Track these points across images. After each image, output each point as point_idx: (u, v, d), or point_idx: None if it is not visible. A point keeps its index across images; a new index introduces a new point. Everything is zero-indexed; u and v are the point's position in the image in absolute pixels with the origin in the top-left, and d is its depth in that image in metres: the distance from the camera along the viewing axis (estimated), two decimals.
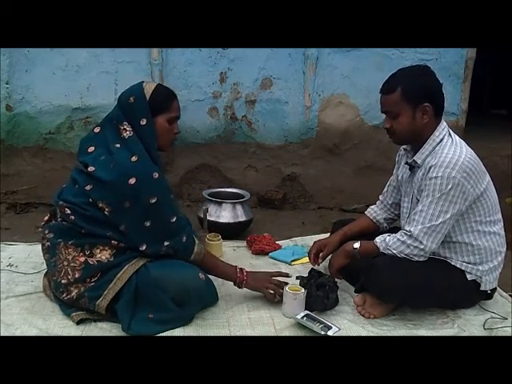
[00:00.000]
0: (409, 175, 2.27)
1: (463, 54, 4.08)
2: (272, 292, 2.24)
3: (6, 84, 3.83)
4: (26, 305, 2.20)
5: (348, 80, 4.09)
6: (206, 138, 4.09)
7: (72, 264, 2.04)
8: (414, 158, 2.17)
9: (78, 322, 2.05)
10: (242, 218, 3.14)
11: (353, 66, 4.07)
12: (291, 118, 4.11)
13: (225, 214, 3.09)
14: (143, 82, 2.15)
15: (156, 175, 2.00)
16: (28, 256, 2.68)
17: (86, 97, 3.93)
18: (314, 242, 2.49)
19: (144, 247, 2.04)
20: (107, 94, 3.87)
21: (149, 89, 2.09)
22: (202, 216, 3.03)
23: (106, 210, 2.00)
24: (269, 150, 4.13)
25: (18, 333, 1.99)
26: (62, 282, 2.06)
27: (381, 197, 2.53)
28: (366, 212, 2.56)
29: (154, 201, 1.98)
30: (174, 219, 2.07)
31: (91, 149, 2.10)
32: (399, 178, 2.37)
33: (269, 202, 3.79)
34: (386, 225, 2.50)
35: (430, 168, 2.07)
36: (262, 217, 3.54)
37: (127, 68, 3.88)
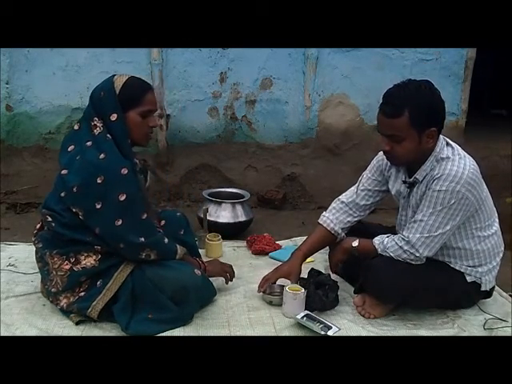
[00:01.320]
0: (407, 191, 2.19)
1: (463, 54, 4.08)
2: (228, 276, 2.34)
3: (6, 84, 3.83)
4: (26, 305, 2.20)
5: (348, 80, 4.10)
6: (206, 138, 4.09)
7: (59, 273, 2.03)
8: (416, 175, 2.10)
9: (78, 323, 2.05)
10: (242, 218, 3.14)
11: (353, 65, 4.07)
12: (291, 118, 4.11)
13: (225, 214, 3.09)
14: (114, 75, 2.11)
15: (125, 171, 1.94)
16: (28, 256, 2.67)
17: (86, 97, 3.82)
18: (276, 269, 2.34)
19: (122, 246, 1.99)
20: None
21: (119, 82, 2.04)
22: (201, 216, 3.03)
23: (80, 214, 1.96)
24: (269, 150, 4.14)
25: (18, 333, 1.99)
26: (52, 290, 2.06)
27: (344, 200, 2.37)
28: (320, 221, 2.38)
29: (123, 198, 1.94)
30: (145, 216, 2.03)
31: (71, 148, 2.04)
32: (394, 192, 2.27)
33: (269, 202, 3.79)
34: (343, 234, 2.34)
35: (434, 180, 2.02)
36: (262, 217, 3.54)
37: (127, 68, 3.87)
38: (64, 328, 2.04)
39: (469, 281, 2.18)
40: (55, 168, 3.82)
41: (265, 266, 2.70)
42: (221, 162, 4.08)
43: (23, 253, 2.72)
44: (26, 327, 2.03)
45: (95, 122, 2.01)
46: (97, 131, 2.00)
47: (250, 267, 2.68)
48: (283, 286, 2.24)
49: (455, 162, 2.03)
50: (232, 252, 2.89)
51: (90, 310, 2.01)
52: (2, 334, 1.97)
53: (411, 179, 2.14)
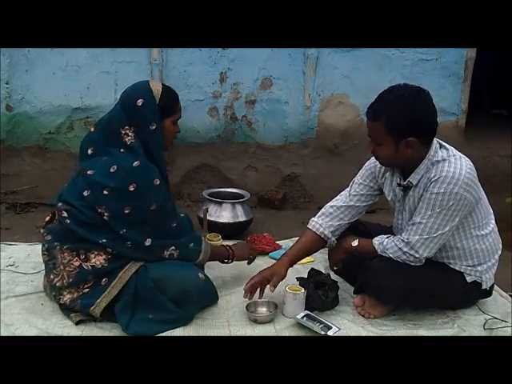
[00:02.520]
0: (402, 195, 2.18)
1: (463, 54, 4.08)
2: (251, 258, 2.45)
3: (6, 84, 3.83)
4: (26, 305, 2.20)
5: (348, 80, 4.10)
6: (206, 138, 4.09)
7: (67, 268, 2.03)
8: (410, 179, 2.09)
9: (78, 323, 2.05)
10: (242, 218, 3.14)
11: (353, 65, 4.07)
12: (291, 118, 4.11)
13: (225, 214, 3.09)
14: (147, 81, 2.09)
15: (157, 182, 1.99)
16: (28, 256, 2.68)
17: (86, 97, 3.93)
18: (259, 272, 2.24)
19: (147, 244, 2.01)
20: (107, 94, 3.87)
21: (157, 91, 2.02)
22: (201, 216, 3.03)
23: (106, 215, 1.97)
24: (269, 150, 4.13)
25: (18, 333, 1.99)
26: (57, 284, 2.05)
27: (336, 203, 2.31)
28: (309, 226, 2.32)
29: (153, 208, 1.98)
30: (175, 224, 2.09)
31: (90, 151, 2.06)
32: (390, 196, 2.25)
33: (269, 202, 3.79)
34: (334, 239, 2.29)
35: (432, 183, 2.01)
36: (262, 217, 3.54)
37: (127, 68, 3.87)
38: (64, 328, 2.04)
39: (469, 281, 2.18)
40: (55, 168, 3.90)
41: (265, 266, 2.70)
42: (221, 162, 4.08)
43: (23, 253, 2.72)
44: (26, 327, 2.03)
45: (126, 131, 1.99)
46: (129, 140, 1.99)
47: (250, 267, 2.67)
48: (269, 301, 2.22)
49: (451, 164, 2.02)
50: None
51: (94, 307, 2.00)
52: (2, 334, 1.97)
53: (405, 183, 2.12)
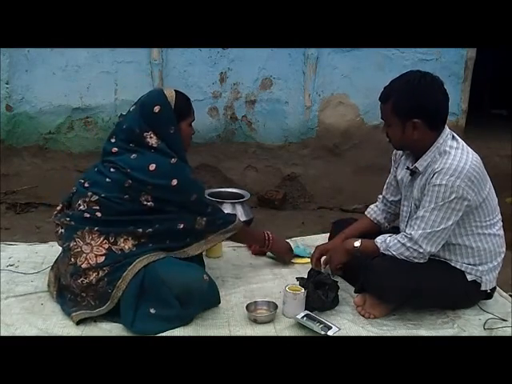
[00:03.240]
0: (409, 180, 2.24)
1: (463, 54, 4.08)
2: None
3: (6, 84, 3.83)
4: (26, 305, 2.20)
5: (348, 80, 4.09)
6: (206, 138, 4.09)
7: (95, 250, 2.07)
8: (416, 164, 2.14)
9: (78, 323, 2.05)
10: (242, 218, 3.13)
11: (353, 65, 4.07)
12: (291, 118, 4.11)
13: None
14: (161, 89, 2.23)
15: (192, 176, 2.18)
16: (28, 256, 2.68)
17: (86, 97, 3.92)
18: (316, 247, 2.49)
19: (193, 198, 2.16)
20: (107, 94, 3.87)
21: (171, 97, 2.16)
22: None
23: (149, 204, 2.08)
24: (269, 150, 4.13)
25: (17, 333, 1.99)
26: (82, 266, 2.07)
27: (381, 195, 2.51)
28: (365, 212, 2.54)
29: (193, 198, 2.15)
30: (210, 209, 2.26)
31: (114, 150, 2.16)
32: (399, 180, 2.34)
33: (269, 202, 3.79)
34: (386, 224, 2.48)
35: (434, 174, 2.04)
36: (262, 217, 3.54)
37: (127, 68, 3.87)
38: (64, 328, 2.04)
39: (469, 279, 2.18)
40: (55, 168, 3.90)
41: (265, 266, 2.70)
42: (221, 162, 4.08)
43: (23, 253, 2.72)
44: (26, 327, 2.03)
45: (150, 134, 2.12)
46: (154, 142, 2.12)
47: (250, 267, 2.68)
48: (269, 301, 2.23)
49: (456, 157, 2.04)
50: (232, 252, 2.88)
51: (120, 280, 2.04)
52: (2, 334, 1.96)
53: (412, 167, 2.18)
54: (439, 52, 4.03)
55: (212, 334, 2.03)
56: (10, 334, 1.97)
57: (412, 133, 2.07)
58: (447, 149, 2.07)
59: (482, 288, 2.21)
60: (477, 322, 2.18)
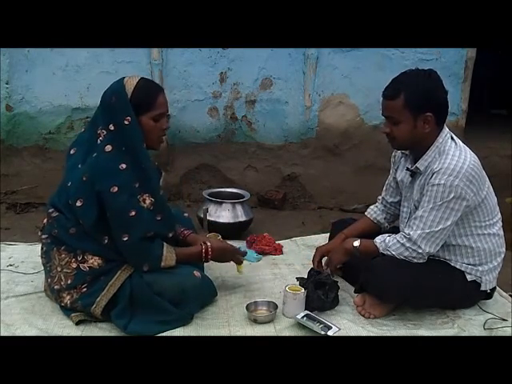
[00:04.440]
0: (410, 181, 2.24)
1: (463, 54, 4.08)
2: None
3: (6, 84, 3.83)
4: (26, 305, 2.20)
5: (348, 80, 4.09)
6: (206, 138, 4.09)
7: (65, 270, 2.03)
8: (417, 164, 2.14)
9: (78, 323, 2.05)
10: (242, 218, 3.14)
11: (353, 65, 4.06)
12: (291, 118, 4.11)
13: (225, 214, 3.09)
14: (124, 77, 2.06)
15: (123, 166, 1.93)
16: (28, 256, 2.68)
17: (86, 97, 3.92)
18: (317, 249, 2.47)
19: (125, 239, 1.97)
20: None
21: (130, 85, 1.99)
22: (202, 216, 3.03)
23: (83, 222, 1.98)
24: (269, 150, 4.13)
25: (18, 333, 1.99)
26: (55, 287, 2.06)
27: (380, 196, 2.51)
28: (365, 213, 2.54)
29: (114, 190, 1.93)
30: (125, 239, 2.01)
31: (72, 151, 2.09)
32: (399, 181, 2.33)
33: (269, 202, 3.79)
34: (386, 224, 2.48)
35: (433, 174, 2.04)
36: (262, 217, 3.54)
37: (127, 68, 3.87)
38: (64, 328, 2.04)
39: (469, 280, 2.18)
40: (55, 168, 3.89)
41: (265, 266, 2.70)
42: (221, 162, 4.08)
43: (23, 253, 2.72)
44: (26, 327, 2.03)
45: (99, 131, 1.98)
46: (99, 141, 1.98)
47: (250, 267, 2.67)
48: (269, 301, 2.23)
49: (455, 157, 2.04)
50: None
51: (94, 306, 2.00)
52: (2, 334, 1.96)
53: (413, 168, 2.17)
54: (439, 52, 4.02)
55: (212, 334, 2.03)
56: (10, 334, 1.97)
57: (423, 127, 2.06)
58: (446, 149, 2.08)
59: (482, 288, 2.21)
60: (477, 322, 2.18)
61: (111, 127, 1.97)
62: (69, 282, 2.02)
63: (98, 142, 1.98)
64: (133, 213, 1.95)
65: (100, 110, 2.03)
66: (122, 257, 2.02)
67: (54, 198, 2.11)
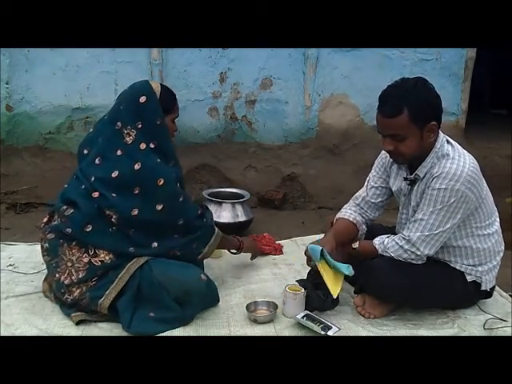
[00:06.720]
0: (408, 189, 2.19)
1: (463, 54, 4.07)
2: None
3: (6, 84, 3.83)
4: (26, 305, 2.20)
5: (348, 80, 4.09)
6: (206, 138, 4.09)
7: (76, 265, 2.04)
8: (417, 172, 2.10)
9: (78, 323, 2.05)
10: (242, 218, 3.14)
11: (353, 65, 4.07)
12: (291, 118, 4.11)
13: (225, 214, 3.09)
14: (147, 80, 2.15)
15: (161, 182, 2.01)
16: (28, 256, 2.68)
17: (86, 97, 3.93)
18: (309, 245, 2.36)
19: (154, 247, 2.08)
20: (107, 94, 3.86)
21: (157, 88, 2.10)
22: None
23: (114, 217, 2.01)
24: (269, 150, 4.13)
25: (17, 333, 1.99)
26: (65, 282, 2.05)
27: (355, 199, 2.37)
28: (341, 215, 2.34)
29: (159, 208, 2.02)
30: (181, 222, 2.12)
31: (86, 151, 2.12)
32: (395, 191, 2.27)
33: (269, 202, 3.79)
34: (364, 226, 2.34)
35: (434, 178, 2.02)
36: (262, 217, 3.54)
37: (127, 68, 3.87)
38: (64, 328, 2.04)
39: (469, 280, 2.18)
40: (55, 168, 3.90)
41: (265, 266, 2.70)
42: (221, 162, 4.08)
43: (23, 253, 2.72)
44: (26, 327, 2.03)
45: (128, 131, 2.04)
46: (130, 140, 2.03)
47: (250, 267, 2.68)
48: (269, 301, 2.23)
49: (455, 160, 2.03)
50: None
51: (103, 298, 2.01)
52: (2, 334, 1.96)
53: (412, 176, 2.14)
54: (439, 52, 4.02)
55: (212, 334, 2.03)
56: (10, 334, 1.97)
57: (429, 136, 2.02)
58: (444, 152, 2.06)
59: (482, 288, 2.21)
60: (477, 322, 2.18)
61: (139, 125, 2.04)
62: (80, 276, 2.03)
63: (128, 140, 2.03)
64: (181, 198, 2.10)
65: (124, 109, 2.07)
66: (135, 251, 2.06)
67: (66, 192, 2.12)
